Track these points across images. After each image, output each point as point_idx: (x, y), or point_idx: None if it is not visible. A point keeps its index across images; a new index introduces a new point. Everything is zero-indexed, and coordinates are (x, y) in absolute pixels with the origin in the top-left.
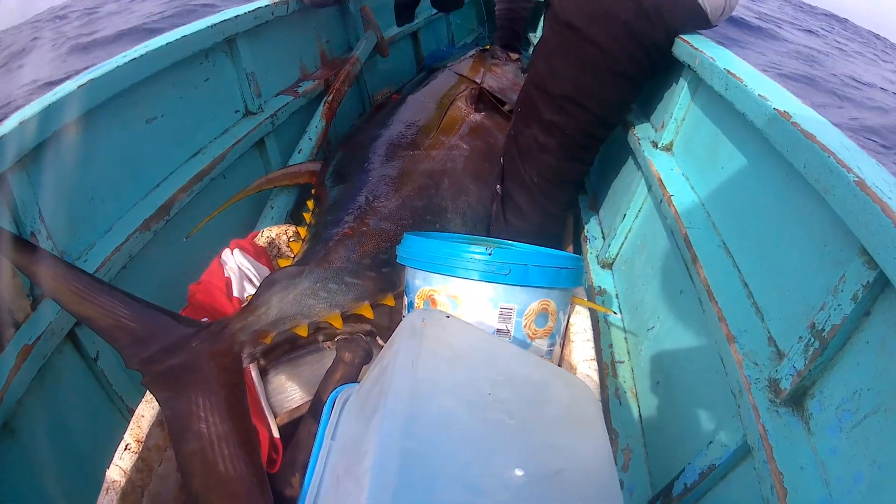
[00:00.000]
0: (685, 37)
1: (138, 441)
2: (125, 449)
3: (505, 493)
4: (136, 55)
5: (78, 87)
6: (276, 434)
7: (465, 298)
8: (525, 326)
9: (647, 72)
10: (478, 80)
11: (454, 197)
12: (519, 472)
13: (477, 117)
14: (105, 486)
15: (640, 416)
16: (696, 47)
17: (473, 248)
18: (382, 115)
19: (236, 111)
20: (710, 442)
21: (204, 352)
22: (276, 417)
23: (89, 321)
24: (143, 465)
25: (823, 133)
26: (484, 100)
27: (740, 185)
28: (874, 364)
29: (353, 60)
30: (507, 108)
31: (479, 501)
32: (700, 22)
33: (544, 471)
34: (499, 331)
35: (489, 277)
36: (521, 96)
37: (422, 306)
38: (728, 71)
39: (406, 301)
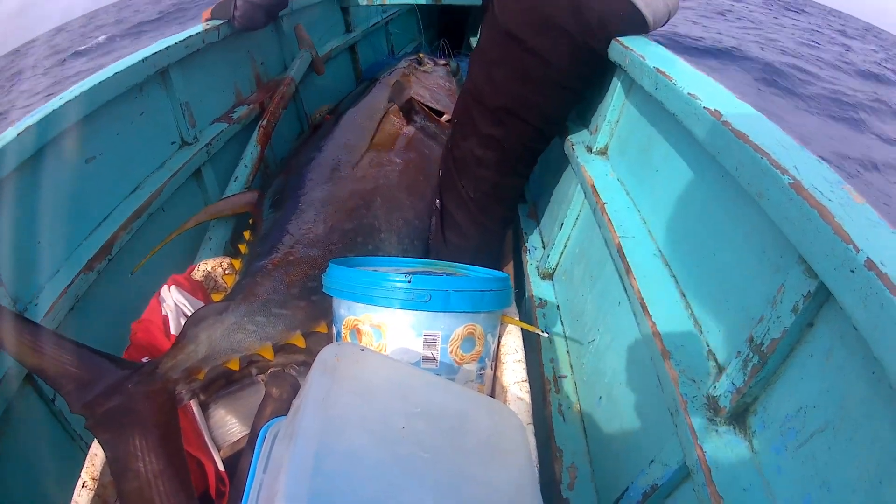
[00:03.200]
0: (621, 38)
1: (93, 479)
2: (82, 486)
3: None
4: (71, 97)
5: (17, 135)
6: (221, 467)
7: (388, 327)
8: (451, 352)
9: (588, 83)
10: (408, 92)
11: (387, 215)
12: None
13: (410, 129)
14: None
15: (584, 432)
16: (628, 46)
17: (393, 276)
18: (317, 137)
19: (172, 142)
20: (652, 461)
21: (139, 393)
22: (219, 450)
23: (36, 370)
24: (99, 500)
25: (758, 132)
26: (416, 110)
27: (676, 190)
28: (820, 379)
29: (286, 82)
30: (444, 117)
31: None
32: (640, 29)
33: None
34: (424, 358)
35: (410, 305)
36: (458, 107)
37: (347, 336)
38: (657, 69)
39: (334, 330)
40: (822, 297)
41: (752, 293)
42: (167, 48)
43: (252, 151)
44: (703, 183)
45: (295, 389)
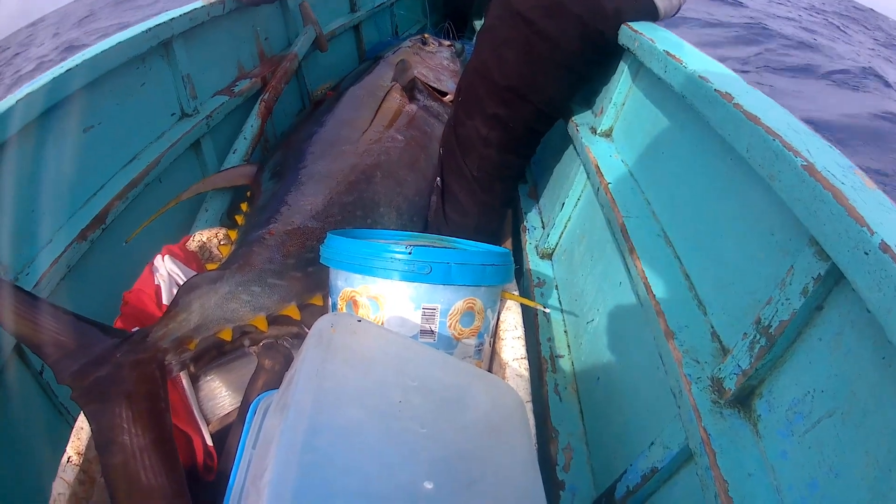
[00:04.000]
0: (630, 23)
1: (79, 454)
2: (67, 462)
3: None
4: (72, 65)
5: (17, 101)
6: (209, 442)
7: (386, 299)
8: (450, 326)
9: (596, 67)
10: (412, 71)
11: (387, 190)
12: (428, 485)
13: (412, 107)
14: (52, 498)
15: (581, 413)
16: (637, 30)
17: (393, 247)
18: (318, 113)
19: (172, 114)
20: (652, 443)
21: (127, 362)
22: (208, 424)
23: (22, 337)
24: (85, 476)
25: (769, 114)
26: (419, 89)
27: (682, 172)
28: (828, 363)
29: (290, 57)
30: (447, 97)
31: None
32: (650, 18)
33: (457, 481)
34: (423, 331)
35: (410, 277)
36: (464, 85)
37: (344, 307)
38: (667, 52)
39: (329, 302)
40: (832, 280)
41: (759, 275)
42: (171, 20)
43: (252, 125)
44: (709, 165)
45: (288, 361)
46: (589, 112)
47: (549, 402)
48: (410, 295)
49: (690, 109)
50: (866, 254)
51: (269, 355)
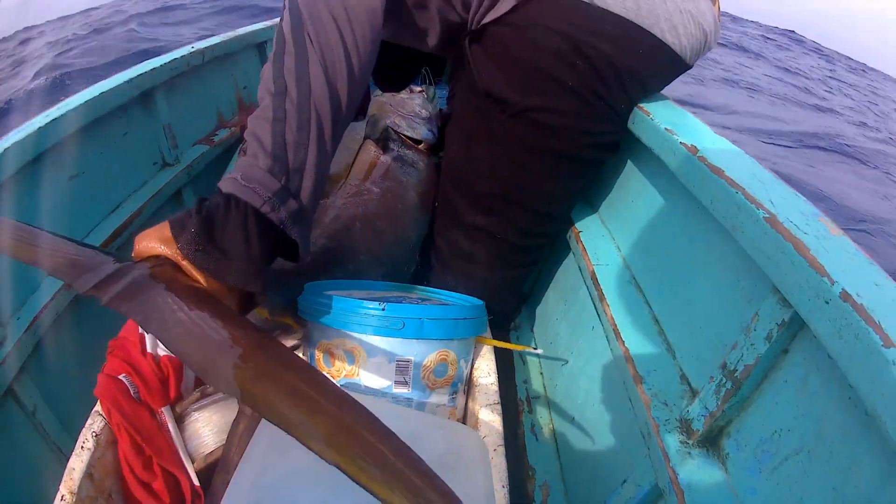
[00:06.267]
0: None
1: (71, 493)
2: (61, 500)
3: None
4: (57, 115)
5: (4, 150)
6: (195, 482)
7: (361, 352)
8: (424, 377)
9: (607, 151)
10: (384, 122)
11: (367, 239)
12: None
13: (386, 158)
14: None
15: (557, 451)
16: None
17: (367, 304)
18: None
19: (154, 163)
20: (625, 481)
21: (150, 267)
22: (193, 463)
23: (40, 264)
24: None
25: (733, 166)
26: (392, 139)
27: (651, 220)
28: (795, 404)
29: None
30: (421, 145)
31: None
32: (673, 64)
33: None
34: (397, 382)
35: (384, 332)
36: (438, 192)
37: (321, 359)
38: (639, 106)
39: (308, 353)
40: (796, 326)
41: (725, 321)
42: (152, 70)
43: None
44: (677, 213)
45: None
46: None
47: (526, 442)
48: (385, 348)
49: (658, 160)
50: (827, 303)
51: None
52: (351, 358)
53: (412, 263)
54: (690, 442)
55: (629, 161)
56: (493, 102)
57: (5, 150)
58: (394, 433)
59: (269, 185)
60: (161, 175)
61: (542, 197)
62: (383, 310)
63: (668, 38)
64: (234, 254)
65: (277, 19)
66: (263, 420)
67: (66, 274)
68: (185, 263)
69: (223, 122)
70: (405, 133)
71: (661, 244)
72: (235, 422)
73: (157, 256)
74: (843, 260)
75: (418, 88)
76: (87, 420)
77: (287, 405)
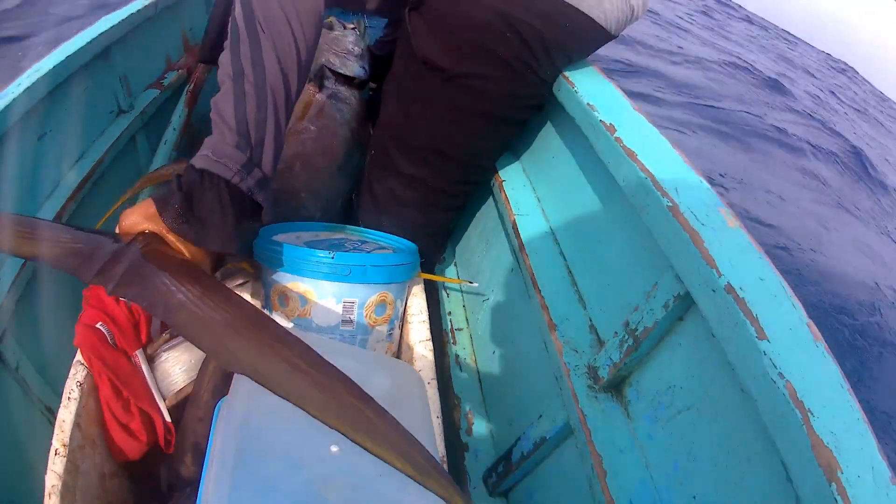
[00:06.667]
0: None
1: (64, 445)
2: (55, 454)
3: (321, 467)
4: (28, 83)
5: None
6: (167, 418)
7: (313, 294)
8: (366, 316)
9: (533, 111)
10: (319, 60)
11: (307, 178)
12: (334, 448)
13: (322, 97)
14: (46, 490)
15: (480, 382)
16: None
17: (318, 254)
18: None
19: (111, 111)
20: (541, 416)
21: (146, 249)
22: (164, 400)
23: (40, 257)
24: (71, 466)
25: (647, 149)
26: (326, 77)
27: (571, 179)
28: (686, 365)
29: None
30: (355, 81)
31: (300, 473)
32: (598, 37)
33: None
34: (343, 321)
35: (332, 278)
36: (373, 142)
37: (276, 299)
38: (564, 76)
39: (263, 293)
40: (690, 300)
41: (630, 283)
42: (111, 27)
43: (180, 115)
44: (595, 178)
45: None
46: None
47: (452, 373)
48: (333, 291)
49: (581, 134)
50: (713, 291)
51: None
52: (304, 300)
53: (346, 198)
54: (597, 387)
55: (552, 122)
56: (429, 69)
57: None
58: (372, 398)
59: (236, 158)
60: (118, 122)
61: (473, 151)
62: (332, 258)
63: (595, 14)
64: (211, 223)
65: None
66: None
67: (69, 265)
68: (170, 237)
69: (171, 65)
70: (339, 70)
71: (578, 202)
72: (205, 362)
73: (143, 233)
74: (734, 253)
75: (350, 25)
76: (69, 370)
77: (289, 379)
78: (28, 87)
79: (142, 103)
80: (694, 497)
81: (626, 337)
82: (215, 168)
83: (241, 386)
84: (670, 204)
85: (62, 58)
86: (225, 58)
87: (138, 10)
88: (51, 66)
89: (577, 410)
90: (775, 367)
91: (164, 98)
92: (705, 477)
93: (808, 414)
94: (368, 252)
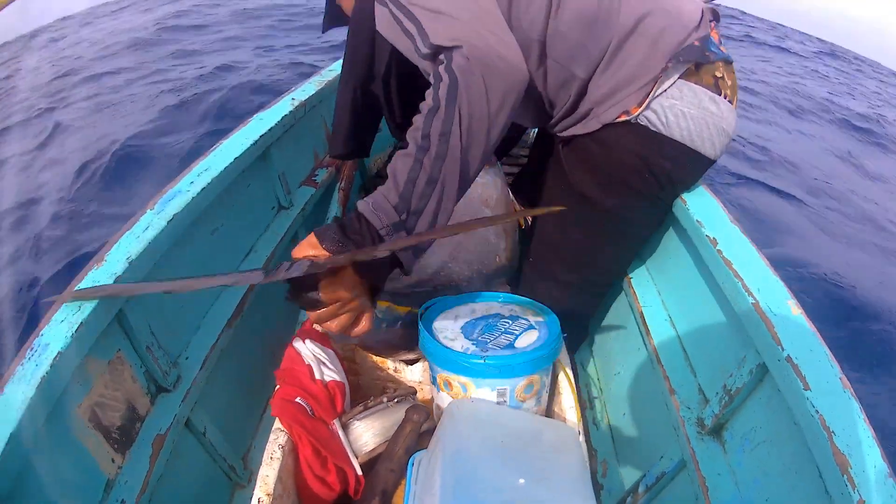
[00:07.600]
0: None
1: (268, 495)
2: (258, 502)
3: (512, 493)
4: (204, 184)
5: (167, 223)
6: (358, 472)
7: (471, 386)
8: (516, 396)
9: (660, 226)
10: None
11: (452, 250)
12: (521, 481)
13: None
14: None
15: (612, 437)
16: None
17: (472, 357)
18: None
19: (272, 208)
20: (661, 457)
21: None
22: (357, 458)
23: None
24: None
25: (741, 260)
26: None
27: (684, 278)
28: (764, 412)
29: None
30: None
31: (498, 497)
32: (709, 165)
33: (537, 479)
34: (498, 402)
35: (486, 375)
36: (530, 252)
37: (442, 385)
38: (681, 197)
39: (431, 375)
40: (765, 368)
41: (726, 355)
42: (270, 129)
43: (336, 213)
44: (701, 277)
45: (427, 416)
46: None
47: (590, 430)
48: (488, 383)
49: (692, 244)
50: (779, 361)
51: (416, 411)
52: (464, 388)
53: (498, 268)
54: (703, 432)
55: (671, 229)
56: (581, 196)
57: (167, 222)
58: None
59: (390, 216)
60: (279, 218)
61: (617, 262)
62: (483, 361)
63: (709, 153)
64: (361, 245)
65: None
66: (445, 428)
67: (248, 279)
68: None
69: (319, 162)
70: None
71: (689, 296)
72: (401, 426)
73: (307, 255)
74: (795, 335)
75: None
76: (268, 436)
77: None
78: (204, 188)
79: (299, 200)
80: (767, 500)
81: (724, 395)
82: (370, 216)
83: (445, 439)
84: (754, 302)
85: (229, 161)
86: (419, 120)
87: (290, 112)
88: (220, 170)
89: (689, 450)
90: (813, 406)
91: (319, 196)
92: (775, 487)
93: (832, 434)
94: (517, 335)
